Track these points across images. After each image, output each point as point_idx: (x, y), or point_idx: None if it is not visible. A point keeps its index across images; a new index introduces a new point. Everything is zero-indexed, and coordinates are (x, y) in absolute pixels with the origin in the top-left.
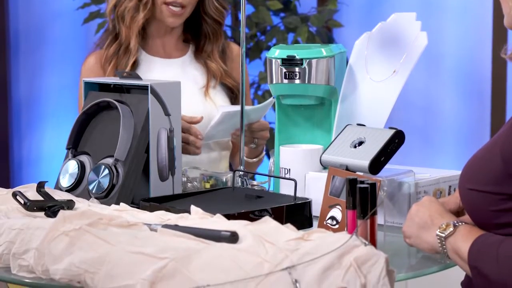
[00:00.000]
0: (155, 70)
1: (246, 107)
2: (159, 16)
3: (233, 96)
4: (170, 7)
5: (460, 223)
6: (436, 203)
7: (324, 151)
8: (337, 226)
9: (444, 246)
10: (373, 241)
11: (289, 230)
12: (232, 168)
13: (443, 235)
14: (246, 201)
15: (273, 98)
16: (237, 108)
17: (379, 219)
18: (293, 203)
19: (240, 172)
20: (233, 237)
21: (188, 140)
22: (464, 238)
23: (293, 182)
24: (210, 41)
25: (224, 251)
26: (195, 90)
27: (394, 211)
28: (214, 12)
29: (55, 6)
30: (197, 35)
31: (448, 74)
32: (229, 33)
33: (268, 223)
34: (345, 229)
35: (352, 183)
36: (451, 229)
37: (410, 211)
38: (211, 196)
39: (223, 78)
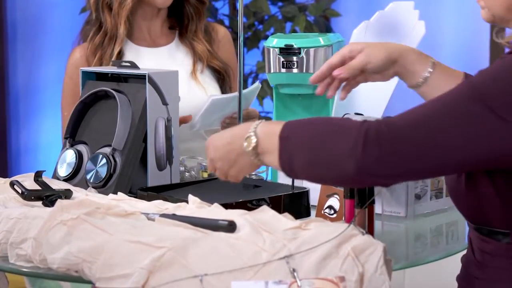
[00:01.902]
0: (141, 60)
1: (235, 93)
2: None
3: (221, 78)
4: None
5: (257, 125)
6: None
7: None
8: (334, 215)
9: (258, 158)
10: (371, 231)
11: (286, 219)
12: None
13: (253, 149)
14: (244, 190)
15: (259, 83)
16: (227, 95)
17: (377, 209)
18: (291, 192)
19: None
20: (230, 226)
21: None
22: (269, 131)
23: None
24: (193, 21)
25: (221, 240)
26: (184, 76)
27: (391, 201)
28: None
29: None
30: (180, 18)
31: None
32: (226, 22)
33: (265, 212)
34: (343, 218)
35: None
36: (254, 138)
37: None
38: (209, 186)
39: (209, 60)
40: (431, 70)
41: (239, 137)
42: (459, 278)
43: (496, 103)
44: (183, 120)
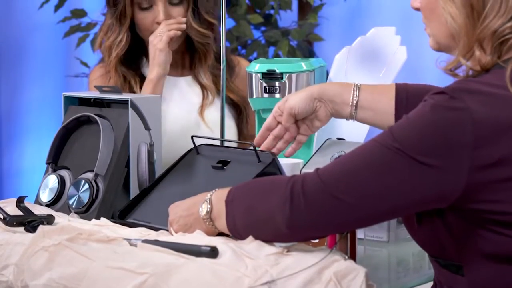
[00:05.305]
0: (164, 87)
1: None
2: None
3: (238, 110)
4: None
5: (213, 193)
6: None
7: (304, 165)
8: (317, 240)
9: (212, 223)
10: (353, 256)
11: (268, 245)
12: None
13: (206, 214)
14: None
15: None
16: None
17: (359, 233)
18: None
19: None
20: (213, 252)
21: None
22: (220, 197)
23: None
24: (200, 60)
25: (204, 266)
26: (189, 111)
27: (374, 225)
28: (199, 37)
29: (35, 19)
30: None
31: None
32: None
33: (248, 241)
34: (325, 243)
35: None
36: (209, 205)
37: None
38: (180, 171)
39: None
40: (357, 94)
41: (197, 203)
42: None
43: (415, 149)
44: None
